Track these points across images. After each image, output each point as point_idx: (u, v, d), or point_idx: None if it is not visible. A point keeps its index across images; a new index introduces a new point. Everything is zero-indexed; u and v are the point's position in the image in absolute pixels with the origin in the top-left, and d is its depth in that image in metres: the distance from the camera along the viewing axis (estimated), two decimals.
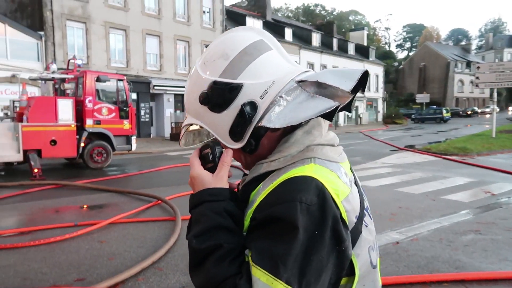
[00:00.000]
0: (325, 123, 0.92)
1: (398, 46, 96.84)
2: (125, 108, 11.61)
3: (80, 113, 10.78)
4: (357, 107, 45.00)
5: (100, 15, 21.27)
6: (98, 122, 11.07)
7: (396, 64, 76.73)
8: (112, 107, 11.40)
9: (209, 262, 0.77)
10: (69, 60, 12.54)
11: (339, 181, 0.82)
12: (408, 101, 61.91)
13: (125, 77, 11.91)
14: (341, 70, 0.85)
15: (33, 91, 16.12)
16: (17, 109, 10.43)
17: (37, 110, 9.81)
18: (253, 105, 0.83)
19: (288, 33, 35.39)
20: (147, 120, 23.49)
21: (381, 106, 49.87)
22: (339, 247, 0.76)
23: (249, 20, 31.65)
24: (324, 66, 39.21)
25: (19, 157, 9.58)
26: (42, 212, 6.72)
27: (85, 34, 20.84)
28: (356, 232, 0.82)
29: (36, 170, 9.36)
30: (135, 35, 22.87)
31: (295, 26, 40.61)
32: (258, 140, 0.86)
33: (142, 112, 23.20)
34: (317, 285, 0.73)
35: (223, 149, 0.89)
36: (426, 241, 5.00)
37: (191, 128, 0.97)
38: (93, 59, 20.98)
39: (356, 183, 0.92)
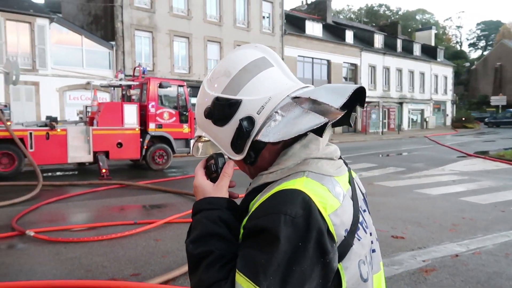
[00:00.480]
0: (325, 136, 0.93)
1: (471, 45, 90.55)
2: (185, 113, 12.12)
3: (143, 118, 11.44)
4: (422, 110, 42.80)
5: (165, 24, 22.40)
6: (160, 126, 11.66)
7: (467, 64, 71.78)
8: (173, 111, 11.95)
9: (201, 266, 0.81)
10: (135, 68, 13.36)
11: (329, 194, 0.82)
12: (481, 103, 57.63)
13: (185, 83, 12.43)
14: (335, 86, 0.87)
15: (105, 96, 17.40)
16: (89, 114, 11.33)
17: (105, 115, 10.58)
18: (250, 120, 0.87)
19: (349, 35, 34.67)
20: None
21: (450, 110, 46.93)
22: (323, 259, 0.76)
23: (308, 24, 31.49)
24: (387, 68, 37.86)
25: (89, 158, 10.39)
26: (107, 210, 7.22)
27: (151, 42, 22.06)
28: (345, 246, 0.82)
29: (104, 171, 10.09)
30: (197, 42, 23.77)
31: (356, 28, 39.67)
32: (258, 153, 0.91)
33: None
34: None
35: (226, 161, 0.93)
36: (490, 256, 4.63)
37: (205, 138, 1.02)
38: (158, 66, 22.13)
39: (353, 197, 0.91)
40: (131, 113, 10.88)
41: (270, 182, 0.88)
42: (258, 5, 27.00)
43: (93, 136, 10.31)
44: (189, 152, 12.42)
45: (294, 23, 31.67)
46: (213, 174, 0.93)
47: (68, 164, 11.03)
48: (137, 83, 12.13)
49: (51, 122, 9.96)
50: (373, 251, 0.96)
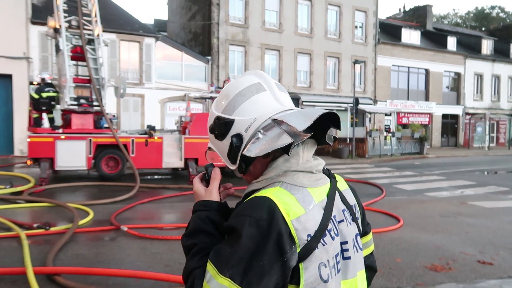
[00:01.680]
0: (308, 152, 1.08)
1: None
2: None
3: None
4: None
5: (258, 38, 23.33)
6: None
7: None
8: None
9: (188, 256, 1.01)
10: (224, 81, 14.20)
11: (295, 203, 0.97)
12: None
13: None
14: (305, 111, 1.02)
15: (199, 107, 18.72)
16: (183, 124, 12.34)
17: (196, 124, 11.44)
18: (239, 136, 1.05)
19: (451, 41, 32.18)
20: None
21: None
22: (282, 258, 0.91)
23: (404, 32, 30.04)
24: (497, 77, 34.23)
25: (181, 164, 11.32)
26: (191, 212, 7.81)
27: (244, 56, 23.15)
28: (308, 249, 0.94)
29: (193, 176, 10.90)
30: (287, 54, 24.28)
31: (460, 33, 36.64)
32: (248, 164, 1.09)
33: None
34: (259, 285, 0.89)
35: (214, 168, 1.13)
36: None
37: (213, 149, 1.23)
38: None
39: (326, 208, 1.03)
40: None
41: (256, 189, 1.05)
42: (351, 15, 26.64)
43: (185, 144, 11.22)
44: None
45: (388, 31, 30.50)
46: (207, 181, 1.15)
47: (163, 168, 12.13)
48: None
49: (150, 130, 11.12)
50: (348, 258, 1.07)
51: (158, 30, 34.77)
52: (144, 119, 19.76)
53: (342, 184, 1.18)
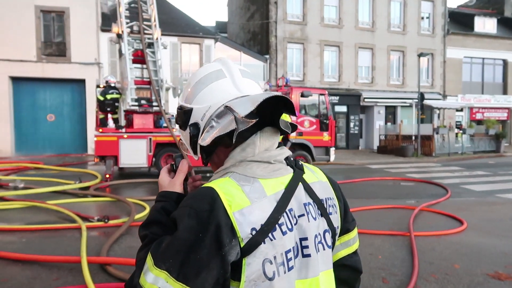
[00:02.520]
0: (267, 141, 1.01)
1: None
2: (325, 121, 12.24)
3: None
4: None
5: (316, 34, 22.96)
6: (300, 133, 12.07)
7: None
8: (313, 120, 12.22)
9: (140, 247, 0.98)
10: (279, 79, 14.15)
11: (240, 194, 0.90)
12: None
13: (326, 92, 12.57)
14: (255, 96, 0.95)
15: None
16: None
17: None
18: (196, 125, 1.01)
19: None
20: (356, 132, 23.76)
21: None
22: (221, 251, 0.84)
23: (478, 20, 27.75)
24: None
25: None
26: None
27: (302, 53, 22.91)
28: (252, 243, 0.87)
29: None
30: (347, 50, 23.60)
31: None
32: (209, 154, 1.04)
33: (352, 124, 23.63)
34: (196, 279, 0.83)
35: (182, 160, 1.08)
36: None
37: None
38: (308, 75, 22.81)
39: (281, 200, 0.94)
40: None
41: None
42: (416, 5, 25.21)
43: None
44: (329, 160, 12.47)
45: (459, 21, 28.38)
46: (175, 172, 1.10)
47: None
48: (280, 93, 12.80)
49: None
50: (308, 255, 0.97)
51: (219, 31, 35.70)
52: None
53: (311, 176, 1.07)
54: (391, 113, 24.71)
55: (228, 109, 0.95)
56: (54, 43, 18.36)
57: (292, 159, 1.06)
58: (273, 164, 0.99)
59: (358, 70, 24.01)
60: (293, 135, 11.99)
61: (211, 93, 1.01)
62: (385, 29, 24.50)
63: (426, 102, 21.75)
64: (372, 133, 24.09)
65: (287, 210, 0.94)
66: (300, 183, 1.01)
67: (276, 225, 0.91)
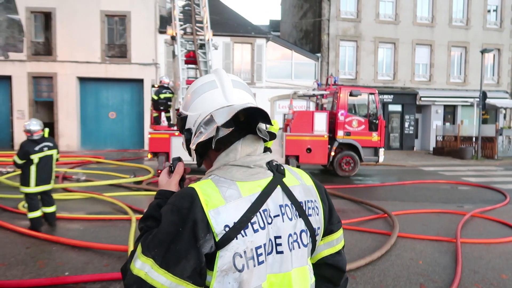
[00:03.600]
0: (248, 147, 1.13)
1: None
2: (374, 121, 11.96)
3: (332, 125, 11.92)
4: None
5: (371, 31, 22.35)
6: (348, 133, 11.89)
7: None
8: (362, 119, 11.98)
9: (137, 237, 1.14)
10: (327, 78, 14.00)
11: (217, 195, 1.03)
12: None
13: (376, 91, 12.26)
14: (234, 106, 1.07)
15: (303, 104, 18.73)
16: (286, 121, 12.59)
17: (298, 122, 11.57)
18: (189, 131, 1.16)
19: None
20: (411, 132, 22.82)
21: None
22: (196, 244, 0.98)
23: None
24: None
25: (282, 161, 11.56)
26: None
27: (355, 51, 22.40)
28: (225, 238, 0.99)
29: None
30: (404, 46, 22.72)
31: None
32: (201, 157, 1.18)
33: (406, 124, 22.74)
34: (176, 267, 0.98)
35: (178, 162, 1.23)
36: None
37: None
38: (361, 73, 22.28)
39: (256, 201, 1.05)
40: (321, 120, 11.53)
41: None
42: None
43: (286, 141, 11.45)
44: (377, 161, 12.17)
45: None
46: (172, 173, 1.26)
47: None
48: (328, 92, 12.72)
49: None
50: (281, 252, 1.07)
51: (272, 30, 35.87)
52: None
53: (292, 180, 1.16)
54: (450, 112, 23.43)
55: (212, 117, 1.09)
56: (117, 45, 19.57)
57: (274, 164, 1.16)
58: (252, 168, 1.11)
59: (415, 67, 23.01)
60: (340, 135, 11.86)
61: (203, 102, 1.15)
62: (445, 24, 23.24)
63: (490, 101, 20.37)
64: (429, 134, 23.00)
65: (261, 210, 1.05)
66: (278, 186, 1.12)
67: (249, 224, 1.03)
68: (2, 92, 19.06)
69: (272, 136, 1.18)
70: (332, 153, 11.81)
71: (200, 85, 1.18)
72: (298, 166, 11.73)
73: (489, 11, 24.08)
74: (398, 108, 22.77)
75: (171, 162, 1.27)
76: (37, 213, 5.80)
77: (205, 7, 12.05)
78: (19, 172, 5.85)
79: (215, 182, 1.07)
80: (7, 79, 18.69)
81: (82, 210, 7.22)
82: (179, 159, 1.26)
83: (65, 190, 8.64)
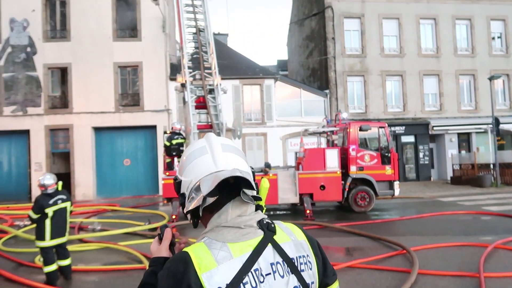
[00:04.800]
0: (237, 209, 1.17)
1: None
2: (386, 154, 11.89)
3: (344, 161, 11.88)
4: None
5: (377, 65, 22.68)
6: (361, 168, 11.81)
7: None
8: (374, 153, 11.92)
9: None
10: (336, 114, 14.11)
11: (209, 258, 1.07)
12: None
13: (386, 124, 12.27)
14: (220, 174, 1.13)
15: (321, 141, 18.76)
16: (297, 159, 12.61)
17: (309, 160, 11.57)
18: (183, 195, 1.23)
19: None
20: (426, 162, 22.50)
21: None
22: None
23: None
24: None
25: (296, 200, 11.48)
26: None
27: (363, 85, 22.66)
28: None
29: (308, 211, 10.94)
30: (411, 78, 22.90)
31: None
32: (196, 218, 1.24)
33: (421, 155, 22.47)
34: None
35: (166, 229, 1.28)
36: None
37: None
38: (371, 107, 22.39)
39: (247, 261, 1.09)
40: (332, 157, 11.52)
41: None
42: (485, 26, 23.95)
43: (299, 179, 11.41)
44: (393, 195, 11.97)
45: None
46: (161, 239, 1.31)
47: (281, 204, 12.47)
48: (338, 128, 12.79)
49: (265, 168, 11.66)
50: None
51: (280, 69, 36.70)
52: (267, 156, 20.71)
53: (283, 237, 1.19)
54: (464, 140, 23.14)
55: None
56: (130, 94, 20.23)
57: (265, 222, 1.20)
58: (243, 228, 1.15)
59: (424, 97, 23.06)
60: (353, 170, 11.78)
61: (194, 168, 1.22)
62: (451, 54, 23.48)
63: (504, 126, 20.13)
64: (445, 163, 22.63)
65: (252, 270, 1.09)
66: (269, 244, 1.15)
67: (241, 284, 1.06)
68: (20, 146, 19.67)
69: (257, 199, 1.21)
70: (347, 189, 11.69)
71: (192, 151, 1.26)
72: (313, 204, 11.63)
73: (493, 38, 24.31)
74: (411, 139, 22.61)
75: (159, 230, 1.32)
76: (52, 267, 5.83)
77: (213, 54, 12.50)
78: (34, 226, 5.94)
79: (207, 245, 1.11)
80: (26, 133, 19.33)
81: (98, 261, 7.23)
82: (166, 226, 1.31)
83: (81, 241, 8.68)
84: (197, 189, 1.15)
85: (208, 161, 1.21)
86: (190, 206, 1.15)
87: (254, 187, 1.18)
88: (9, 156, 19.86)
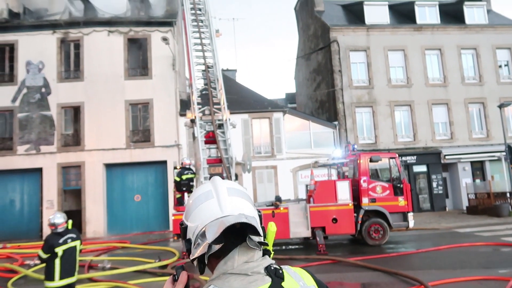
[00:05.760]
0: (244, 256, 1.15)
1: None
2: (399, 185, 11.72)
3: (356, 192, 11.72)
4: None
5: (385, 96, 22.79)
6: (373, 200, 11.63)
7: None
8: (386, 184, 11.77)
9: None
10: (345, 146, 14.07)
11: None
12: None
13: (396, 155, 12.18)
14: (225, 219, 1.11)
15: (324, 172, 18.61)
16: (308, 192, 12.48)
17: (320, 192, 11.45)
18: (189, 241, 1.20)
19: None
20: (440, 192, 22.07)
21: None
22: None
23: None
24: None
25: (308, 234, 11.27)
26: None
27: (372, 116, 22.69)
28: None
29: (320, 245, 10.71)
30: (420, 107, 22.91)
31: None
32: (202, 264, 1.20)
33: (434, 184, 22.09)
34: None
35: (182, 271, 1.26)
36: None
37: None
38: (380, 137, 22.32)
39: None
40: (343, 189, 11.39)
41: None
42: (491, 54, 24.11)
43: (310, 212, 11.25)
44: (408, 226, 11.68)
45: None
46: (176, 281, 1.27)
47: (296, 238, 12.23)
48: (348, 160, 12.72)
49: (276, 202, 11.54)
50: None
51: (289, 102, 37.07)
52: (278, 189, 20.55)
53: (291, 283, 1.16)
54: (478, 169, 22.76)
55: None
56: (140, 131, 20.53)
57: (273, 268, 1.17)
58: (250, 275, 1.12)
59: (434, 126, 22.94)
60: (365, 202, 11.60)
61: (200, 213, 1.20)
62: (459, 83, 23.55)
63: None
64: (459, 192, 22.17)
65: None
66: None
67: None
68: (33, 184, 19.86)
69: (263, 244, 1.19)
70: (359, 222, 11.47)
71: (198, 196, 1.24)
72: (325, 237, 11.39)
73: (500, 66, 24.40)
74: (423, 168, 22.34)
75: (175, 271, 1.29)
76: None
77: (222, 90, 12.72)
78: (44, 265, 5.89)
79: None
80: (38, 171, 19.57)
81: None
82: (182, 268, 1.28)
83: (91, 280, 8.56)
84: (203, 235, 1.13)
85: (213, 206, 1.20)
86: (196, 253, 1.12)
87: (261, 232, 1.16)
88: (21, 195, 20.02)
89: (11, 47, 20.40)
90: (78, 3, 22.30)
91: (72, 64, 20.80)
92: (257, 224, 1.14)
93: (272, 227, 1.62)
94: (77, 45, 20.75)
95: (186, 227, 1.22)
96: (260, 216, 1.26)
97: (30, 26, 20.43)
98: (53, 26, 20.58)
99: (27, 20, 21.22)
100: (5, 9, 21.47)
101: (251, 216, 1.17)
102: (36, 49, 20.24)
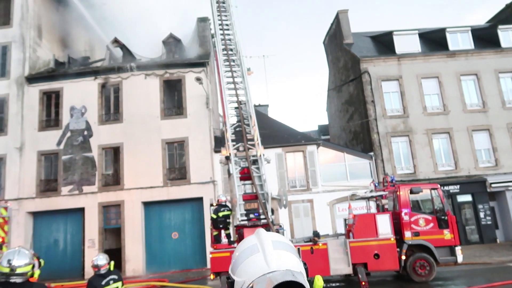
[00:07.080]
0: None
1: None
2: (443, 217, 11.18)
3: (397, 226, 11.27)
4: None
5: (421, 124, 22.24)
6: (416, 233, 11.12)
7: None
8: (429, 217, 11.27)
9: None
10: (383, 177, 13.69)
11: None
12: None
13: (438, 186, 11.72)
14: (273, 276, 1.11)
15: (363, 205, 18.07)
16: (347, 227, 12.13)
17: (360, 226, 11.09)
18: None
19: None
20: (489, 223, 20.81)
21: None
22: None
23: None
24: None
25: (349, 270, 10.85)
26: None
27: (409, 145, 22.11)
28: None
29: (363, 283, 10.26)
30: (459, 134, 22.14)
31: None
32: None
33: (482, 215, 20.89)
34: None
35: None
36: None
37: None
38: (419, 167, 21.60)
39: None
40: (384, 223, 10.99)
41: None
42: None
43: (351, 248, 10.88)
44: (456, 261, 11.01)
45: None
46: None
47: (337, 275, 11.80)
48: (387, 192, 12.33)
49: (314, 237, 11.27)
50: None
51: (322, 134, 36.88)
52: (315, 223, 20.12)
53: None
54: None
55: None
56: (177, 168, 20.97)
57: None
58: None
59: (476, 153, 22.00)
60: (408, 236, 11.11)
61: (245, 268, 1.21)
62: (499, 107, 22.68)
63: None
64: (510, 222, 20.82)
65: None
66: None
67: None
68: (75, 223, 20.50)
69: None
70: (403, 257, 10.95)
71: (243, 250, 1.26)
72: (368, 274, 10.92)
73: None
74: (468, 198, 21.26)
75: None
76: None
77: (255, 126, 12.88)
78: None
79: None
80: (81, 210, 20.24)
81: None
82: None
83: None
84: None
85: (260, 261, 1.20)
86: None
87: (307, 287, 1.14)
88: (65, 234, 20.67)
89: (57, 94, 21.77)
90: (117, 50, 23.66)
91: (112, 107, 21.85)
92: (304, 281, 1.13)
93: (319, 281, 1.58)
94: (117, 89, 21.86)
95: (233, 281, 1.22)
96: (306, 269, 1.25)
97: (74, 74, 21.81)
98: (95, 72, 21.88)
99: (71, 68, 22.71)
100: (52, 59, 23.14)
101: (298, 272, 1.17)
102: (79, 95, 21.49)
